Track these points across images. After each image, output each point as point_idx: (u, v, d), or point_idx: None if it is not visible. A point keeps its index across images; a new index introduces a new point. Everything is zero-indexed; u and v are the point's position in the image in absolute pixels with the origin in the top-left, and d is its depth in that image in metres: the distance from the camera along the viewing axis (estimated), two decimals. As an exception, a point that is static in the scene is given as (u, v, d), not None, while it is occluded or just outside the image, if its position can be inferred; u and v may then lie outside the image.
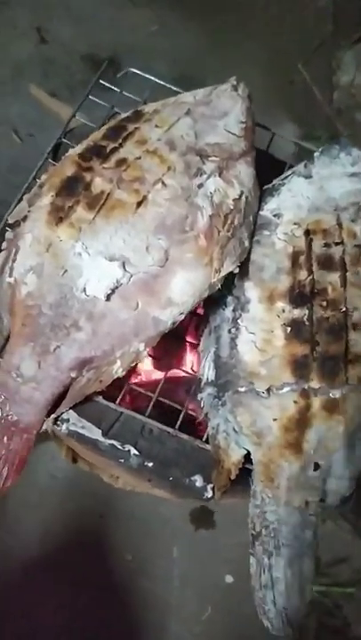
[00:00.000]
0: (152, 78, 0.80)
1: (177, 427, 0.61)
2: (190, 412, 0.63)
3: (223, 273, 0.58)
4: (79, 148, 0.65)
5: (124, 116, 0.67)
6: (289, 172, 0.68)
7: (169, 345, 0.75)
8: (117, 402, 0.62)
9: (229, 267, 0.59)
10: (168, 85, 0.79)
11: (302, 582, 0.57)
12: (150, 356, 0.68)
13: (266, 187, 0.68)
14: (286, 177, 0.67)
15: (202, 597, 1.06)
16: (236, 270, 0.60)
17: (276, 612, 0.56)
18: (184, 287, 0.58)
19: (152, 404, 0.62)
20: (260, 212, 0.65)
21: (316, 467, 0.58)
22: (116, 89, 0.79)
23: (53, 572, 1.04)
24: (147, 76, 0.81)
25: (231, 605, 1.05)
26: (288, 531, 0.58)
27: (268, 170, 0.71)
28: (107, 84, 0.79)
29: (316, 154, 0.68)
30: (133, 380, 0.68)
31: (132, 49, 1.74)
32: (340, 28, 1.95)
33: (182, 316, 0.59)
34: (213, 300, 0.65)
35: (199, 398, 0.63)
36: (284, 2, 1.99)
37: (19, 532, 1.06)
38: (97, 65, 1.56)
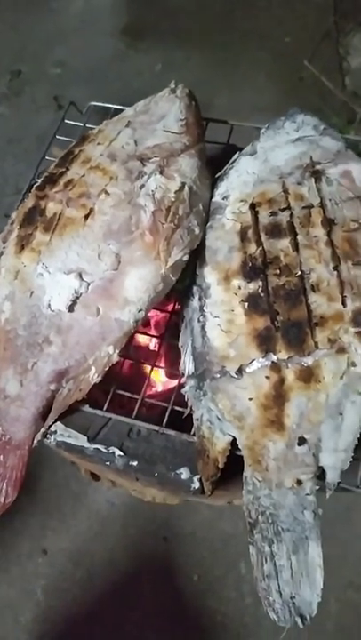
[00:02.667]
0: (111, 106, 0.85)
1: (164, 424, 0.61)
2: (177, 408, 0.63)
3: (171, 262, 0.59)
4: (39, 182, 0.70)
5: (73, 143, 0.72)
6: (237, 154, 0.67)
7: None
8: (104, 408, 0.63)
9: (177, 255, 0.59)
10: (126, 108, 0.83)
11: (310, 568, 0.53)
12: (136, 360, 0.69)
13: (218, 174, 0.68)
14: (235, 160, 0.67)
15: (277, 614, 1.00)
16: (185, 258, 0.60)
17: (283, 602, 0.52)
18: (137, 284, 0.59)
19: (138, 405, 0.63)
20: (213, 199, 0.65)
21: (302, 441, 0.54)
22: (79, 124, 0.85)
23: (122, 598, 1.04)
24: (107, 105, 0.85)
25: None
26: (286, 514, 0.54)
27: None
28: (72, 122, 0.85)
29: (262, 130, 0.67)
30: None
31: (140, 91, 1.84)
32: (344, 15, 1.92)
33: (142, 314, 0.60)
34: (185, 295, 0.65)
35: (183, 392, 0.62)
36: (283, 7, 2.01)
37: (85, 562, 1.09)
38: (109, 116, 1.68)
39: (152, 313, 0.80)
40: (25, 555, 1.11)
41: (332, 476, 0.55)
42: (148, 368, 0.69)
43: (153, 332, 0.82)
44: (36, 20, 2.16)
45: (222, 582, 1.04)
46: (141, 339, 0.83)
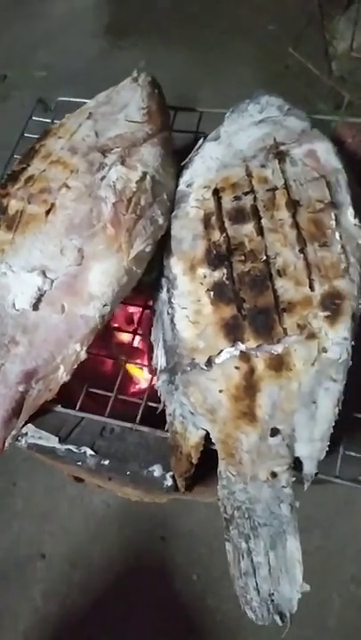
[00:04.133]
0: (80, 100, 0.83)
1: (137, 421, 0.60)
2: (151, 404, 0.61)
3: (133, 254, 0.57)
4: (3, 180, 0.69)
5: (35, 139, 0.70)
6: (201, 140, 0.65)
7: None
8: (77, 407, 0.62)
9: (140, 246, 0.58)
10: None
11: (289, 564, 0.51)
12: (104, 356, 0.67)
13: (183, 162, 0.66)
14: (199, 146, 0.65)
15: (278, 611, 0.98)
16: (148, 249, 0.58)
17: (261, 599, 0.50)
18: (100, 279, 0.58)
19: (111, 402, 0.61)
20: (178, 188, 0.64)
21: (275, 432, 0.52)
22: (47, 120, 0.83)
23: (121, 600, 1.03)
24: (75, 99, 0.84)
25: (313, 618, 0.96)
26: (262, 508, 0.52)
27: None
28: (40, 119, 0.84)
29: (226, 114, 0.65)
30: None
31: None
32: (327, 1, 1.88)
33: (108, 308, 0.58)
34: (154, 287, 0.64)
35: (156, 388, 0.61)
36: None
37: (84, 564, 1.07)
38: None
39: (131, 309, 0.79)
40: (23, 560, 1.10)
41: (308, 467, 0.53)
42: (120, 364, 0.67)
43: (126, 327, 0.80)
44: (19, 24, 2.15)
45: (221, 581, 1.02)
46: (115, 335, 0.81)
